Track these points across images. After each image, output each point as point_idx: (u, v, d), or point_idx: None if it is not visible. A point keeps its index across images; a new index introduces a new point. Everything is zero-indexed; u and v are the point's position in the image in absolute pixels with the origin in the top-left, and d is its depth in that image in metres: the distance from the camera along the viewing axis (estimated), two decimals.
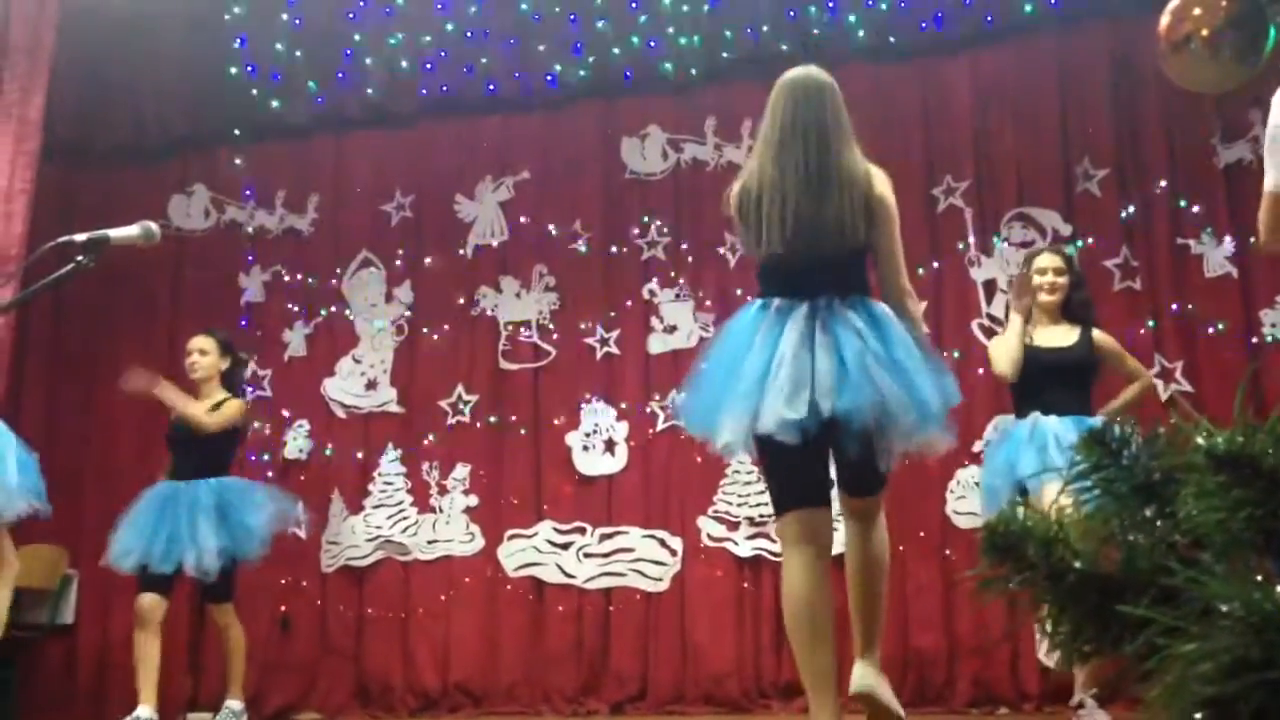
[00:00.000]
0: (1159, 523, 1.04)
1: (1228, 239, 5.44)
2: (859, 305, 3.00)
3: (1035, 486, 4.06)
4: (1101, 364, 4.52)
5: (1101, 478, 1.10)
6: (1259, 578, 0.90)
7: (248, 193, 6.77)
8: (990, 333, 5.67)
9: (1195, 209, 5.51)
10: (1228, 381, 5.24)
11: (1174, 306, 5.49)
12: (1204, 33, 3.17)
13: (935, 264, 5.80)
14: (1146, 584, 0.97)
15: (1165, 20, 3.38)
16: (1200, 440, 1.00)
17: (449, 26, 6.39)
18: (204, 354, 5.15)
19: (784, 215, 3.00)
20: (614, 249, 6.23)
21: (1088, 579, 1.01)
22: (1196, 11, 3.16)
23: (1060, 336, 4.48)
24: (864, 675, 3.15)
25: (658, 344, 6.06)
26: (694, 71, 6.21)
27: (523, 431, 6.11)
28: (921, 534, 5.46)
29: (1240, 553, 0.94)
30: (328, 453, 6.33)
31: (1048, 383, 4.39)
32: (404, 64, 6.45)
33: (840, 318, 2.96)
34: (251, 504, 4.99)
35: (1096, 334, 4.52)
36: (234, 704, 5.07)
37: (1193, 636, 0.88)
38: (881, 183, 3.09)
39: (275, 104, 6.61)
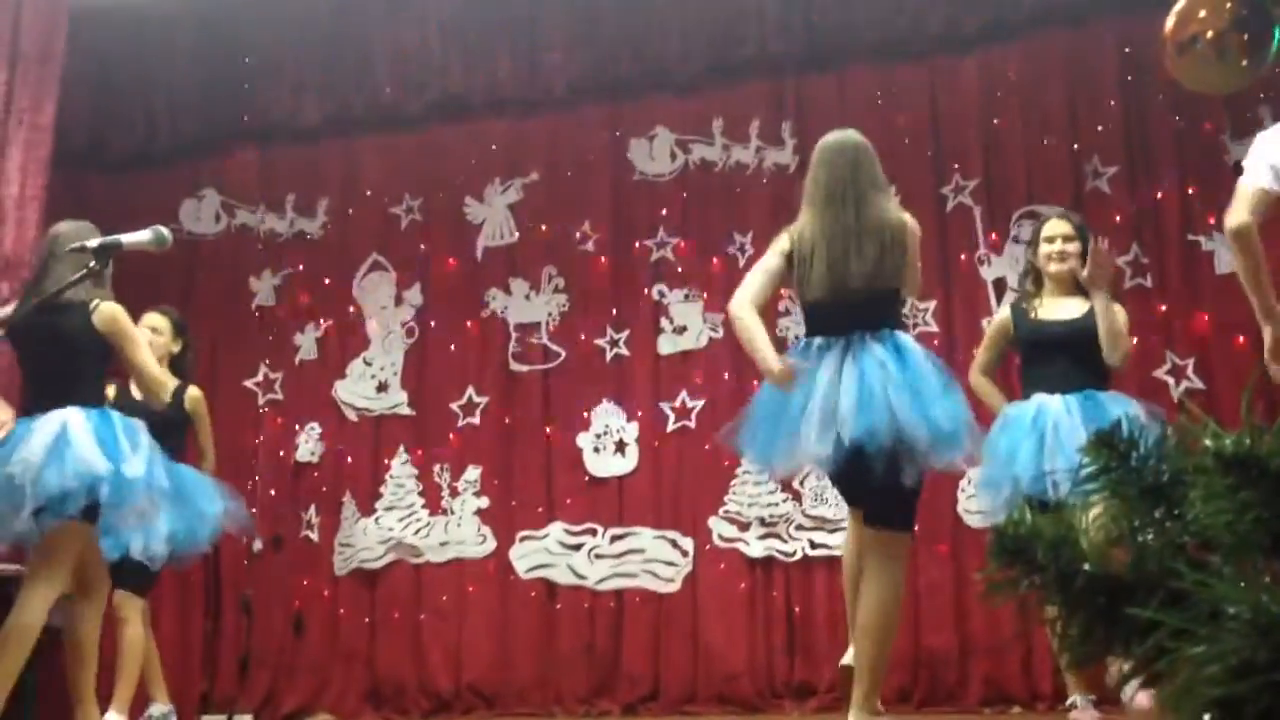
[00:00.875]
0: (1167, 525, 1.04)
1: None
2: (887, 338, 3.41)
3: (1033, 487, 3.87)
4: None
5: (1110, 480, 1.10)
6: (1267, 580, 0.90)
7: (257, 196, 6.79)
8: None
9: (1205, 206, 5.49)
10: (1239, 378, 5.22)
11: (1184, 303, 5.48)
12: (1209, 34, 3.17)
13: (945, 263, 5.79)
14: (1155, 586, 0.98)
15: (1171, 22, 3.38)
16: (1208, 442, 1.00)
17: (456, 29, 6.40)
18: (157, 333, 4.86)
19: (825, 265, 3.44)
20: (623, 250, 6.23)
21: (1096, 581, 1.01)
22: (1202, 14, 3.16)
23: (1068, 309, 4.25)
24: None
25: (667, 344, 6.07)
26: (701, 72, 6.22)
27: (533, 433, 6.12)
28: (933, 533, 5.46)
29: (1248, 554, 0.95)
30: (340, 455, 6.35)
31: (1053, 359, 4.16)
32: (412, 67, 6.47)
33: (869, 351, 3.37)
34: (207, 492, 4.73)
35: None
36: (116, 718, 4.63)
37: (1201, 639, 0.89)
38: (913, 229, 3.54)
39: (284, 108, 6.63)
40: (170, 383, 4.44)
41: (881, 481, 3.29)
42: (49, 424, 3.78)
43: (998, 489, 4.09)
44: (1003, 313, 4.61)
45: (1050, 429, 4.00)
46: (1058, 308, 4.27)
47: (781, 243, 3.55)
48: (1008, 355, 4.63)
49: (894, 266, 3.44)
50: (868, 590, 3.33)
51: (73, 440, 3.75)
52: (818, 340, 3.46)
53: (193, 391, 4.98)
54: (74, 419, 3.80)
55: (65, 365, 3.89)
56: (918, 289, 3.68)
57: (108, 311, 3.88)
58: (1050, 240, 4.32)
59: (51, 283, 3.83)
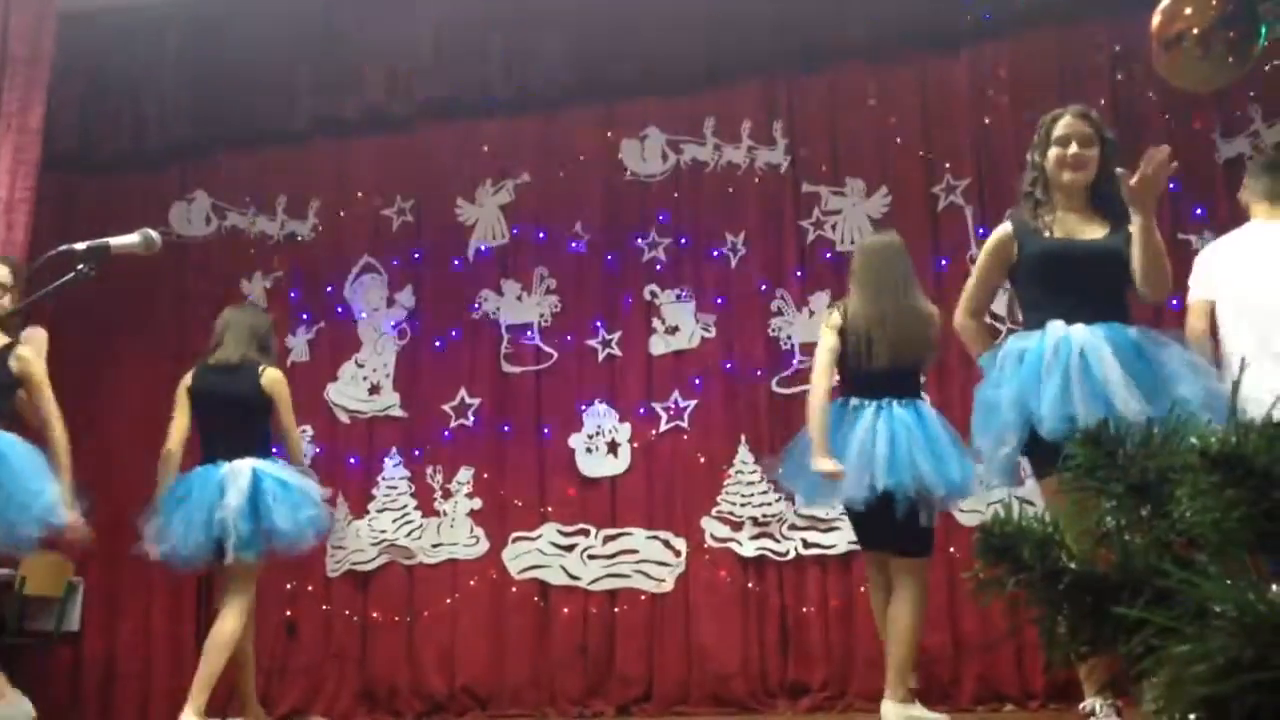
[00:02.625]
0: (1154, 523, 1.04)
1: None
2: (910, 406, 4.04)
3: (1056, 430, 3.16)
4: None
5: (1097, 478, 1.10)
6: (1253, 578, 0.90)
7: (248, 199, 6.78)
8: (993, 331, 5.66)
9: (1195, 204, 5.51)
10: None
11: (1175, 302, 5.47)
12: (1195, 31, 3.17)
13: (936, 262, 5.79)
14: (1141, 584, 0.98)
15: (1157, 19, 3.38)
16: (1194, 440, 1.00)
17: (447, 30, 6.39)
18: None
19: (869, 344, 4.05)
20: (615, 251, 6.23)
21: (1083, 580, 1.01)
22: (1188, 10, 3.17)
23: (1089, 229, 3.48)
24: (892, 713, 3.92)
25: (659, 345, 6.06)
26: (693, 72, 6.21)
27: (526, 434, 6.12)
28: None
29: (1235, 552, 0.95)
30: (332, 457, 6.34)
31: (1073, 284, 3.38)
32: (403, 68, 6.46)
33: (896, 415, 3.99)
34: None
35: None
36: None
37: (1187, 637, 0.89)
38: (936, 318, 4.17)
39: (275, 110, 6.62)
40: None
41: (905, 522, 3.92)
42: (241, 475, 4.53)
43: (998, 441, 3.37)
44: (1002, 229, 3.65)
45: (1076, 364, 3.24)
46: (1075, 227, 3.50)
47: (833, 319, 4.14)
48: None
49: (922, 349, 4.13)
50: (901, 603, 3.97)
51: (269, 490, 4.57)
52: (854, 400, 4.08)
53: (20, 351, 4.43)
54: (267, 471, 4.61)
55: (242, 420, 4.66)
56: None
57: (272, 375, 4.75)
58: (1064, 142, 3.49)
59: (226, 353, 4.75)
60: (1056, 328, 3.34)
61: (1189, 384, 3.25)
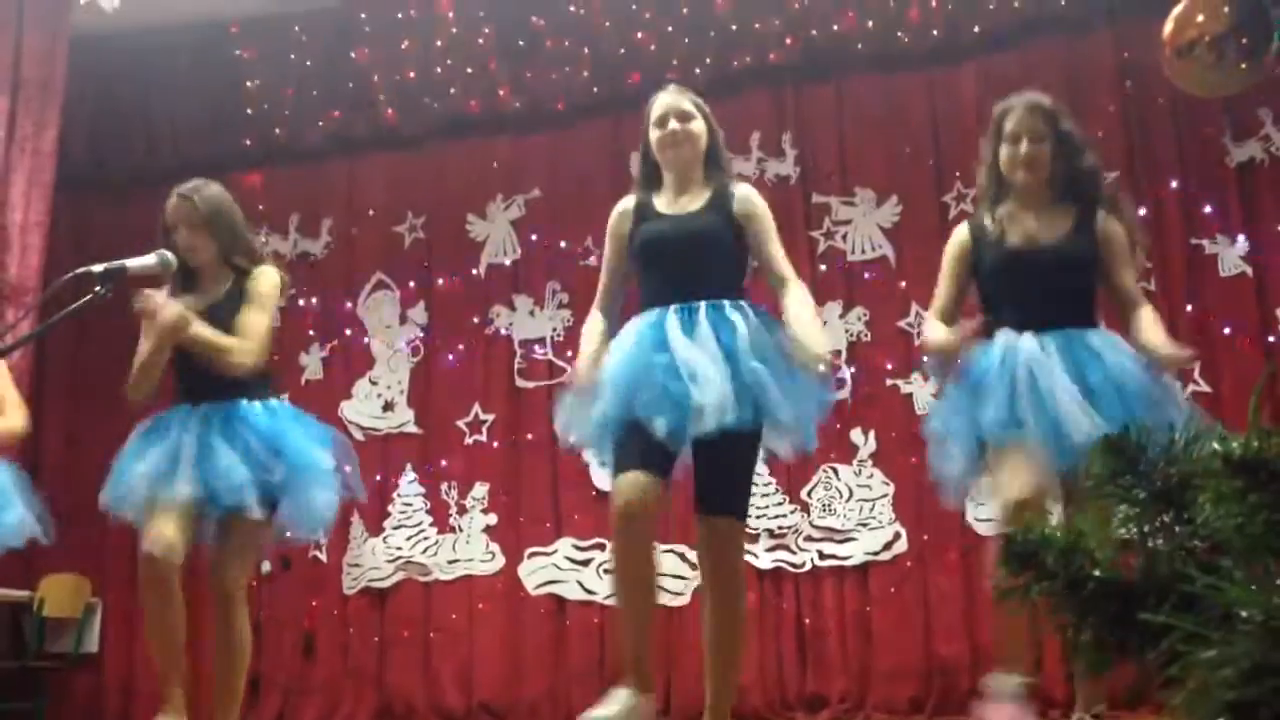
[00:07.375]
0: (1177, 529, 1.04)
1: (1241, 238, 5.43)
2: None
3: (999, 441, 3.15)
4: (1103, 260, 3.37)
5: (1119, 484, 1.10)
6: (1278, 583, 0.90)
7: (260, 217, 6.80)
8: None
9: (1207, 209, 5.50)
10: (1246, 381, 5.21)
11: (1189, 307, 5.47)
12: (1208, 39, 3.18)
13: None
14: (1166, 591, 0.98)
15: (1169, 27, 3.39)
16: (1216, 446, 1.00)
17: (457, 47, 6.42)
18: None
19: None
20: None
21: (1107, 587, 1.01)
22: (1200, 18, 3.18)
23: (1044, 227, 3.38)
24: None
25: None
26: (701, 84, 6.21)
27: (540, 449, 6.12)
28: (943, 541, 5.45)
29: (1259, 557, 0.95)
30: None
31: (1024, 291, 3.31)
32: (413, 85, 6.49)
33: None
34: None
35: (1103, 219, 3.41)
36: None
37: (1213, 643, 0.89)
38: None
39: (286, 129, 6.65)
40: None
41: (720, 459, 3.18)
42: None
43: (952, 453, 3.35)
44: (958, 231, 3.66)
45: (1024, 375, 3.16)
46: (1029, 225, 3.42)
47: None
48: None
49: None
50: (714, 595, 3.25)
51: None
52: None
53: None
54: None
55: None
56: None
57: None
58: (1014, 140, 3.44)
59: None
60: (1005, 338, 3.25)
61: (1142, 388, 3.11)
